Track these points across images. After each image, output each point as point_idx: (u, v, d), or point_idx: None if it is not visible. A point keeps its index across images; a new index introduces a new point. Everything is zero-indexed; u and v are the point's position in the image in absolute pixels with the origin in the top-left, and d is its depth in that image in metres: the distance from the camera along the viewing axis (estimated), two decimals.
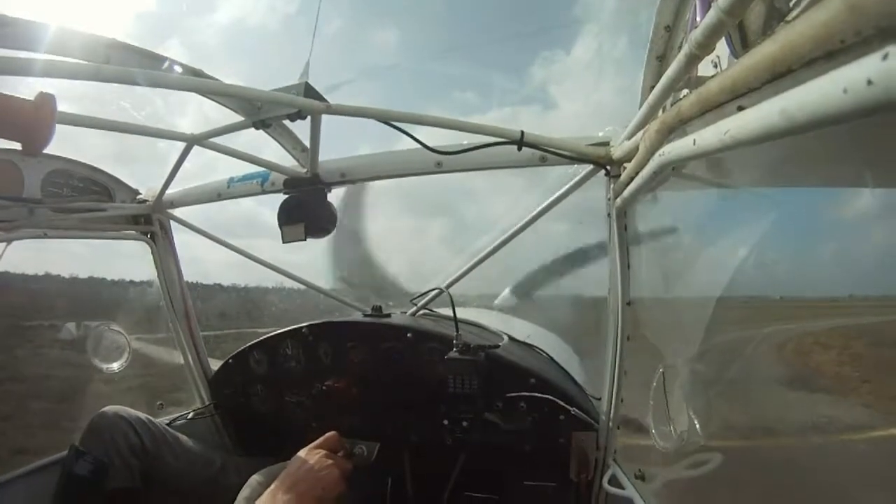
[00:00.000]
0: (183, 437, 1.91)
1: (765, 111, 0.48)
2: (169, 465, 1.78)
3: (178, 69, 1.32)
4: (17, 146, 0.92)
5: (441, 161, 1.67)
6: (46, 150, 0.95)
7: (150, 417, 1.84)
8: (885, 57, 0.32)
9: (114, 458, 1.66)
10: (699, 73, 0.89)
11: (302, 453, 1.37)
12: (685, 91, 0.95)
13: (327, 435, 1.44)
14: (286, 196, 1.82)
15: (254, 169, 1.91)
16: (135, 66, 1.23)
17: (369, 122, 1.43)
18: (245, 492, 1.40)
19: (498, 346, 1.78)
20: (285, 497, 1.22)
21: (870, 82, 0.33)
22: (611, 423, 1.65)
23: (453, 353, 1.67)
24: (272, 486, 1.26)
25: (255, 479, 1.44)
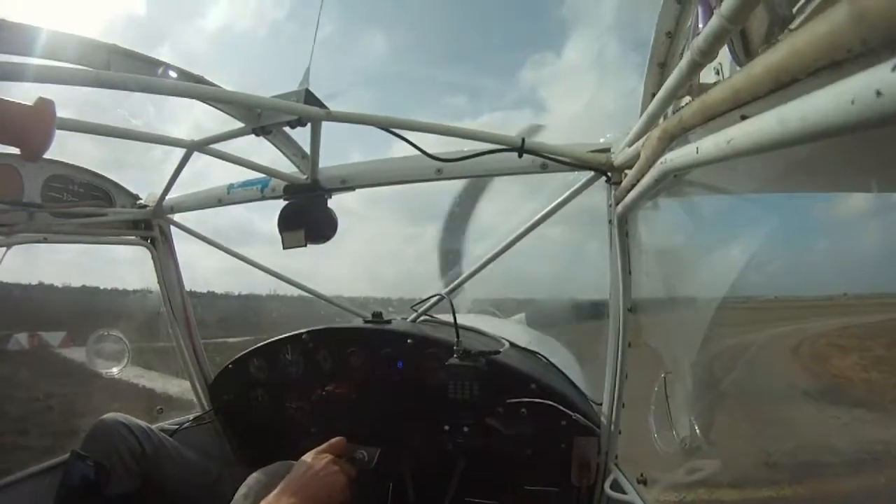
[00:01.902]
0: (182, 445, 1.90)
1: (768, 121, 0.47)
2: (168, 471, 1.77)
3: (178, 75, 1.32)
4: (17, 151, 0.91)
5: (442, 168, 1.67)
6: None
7: (150, 425, 1.83)
8: (894, 68, 0.31)
9: (114, 464, 1.66)
10: (701, 80, 0.89)
11: (308, 457, 1.37)
12: (687, 98, 0.94)
13: (334, 440, 1.44)
14: (286, 202, 1.82)
15: (254, 175, 1.91)
16: (135, 72, 1.23)
17: (366, 130, 1.42)
18: (243, 490, 1.39)
19: (498, 352, 1.77)
20: (290, 500, 1.22)
21: (879, 93, 0.32)
22: (612, 428, 1.64)
23: (454, 359, 1.67)
24: (278, 488, 1.25)
25: (253, 477, 1.43)
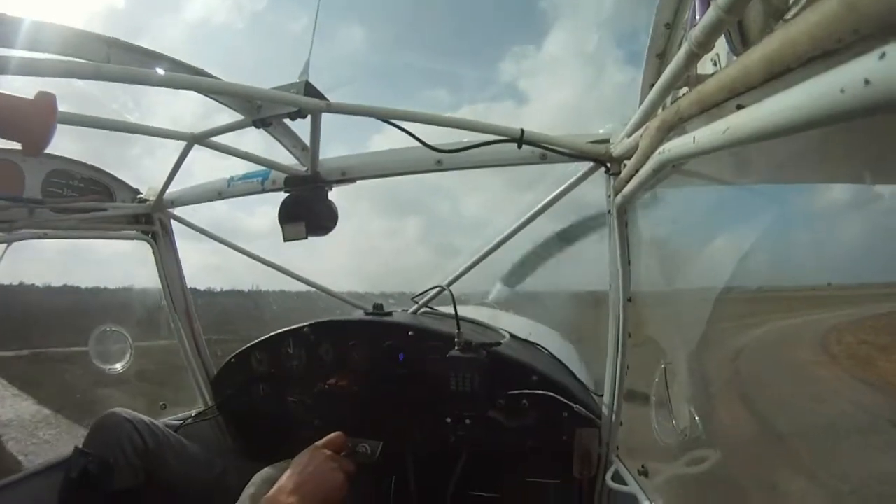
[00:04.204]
0: (186, 440, 1.91)
1: (763, 110, 0.48)
2: (172, 467, 1.78)
3: (178, 68, 1.32)
4: (18, 146, 0.91)
5: (441, 159, 1.67)
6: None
7: (154, 420, 1.84)
8: (882, 56, 0.31)
9: (118, 459, 1.66)
10: (699, 71, 0.89)
11: (306, 453, 1.33)
12: (685, 89, 0.94)
13: (332, 435, 1.40)
14: (287, 194, 1.82)
15: (254, 168, 1.91)
16: (134, 64, 1.23)
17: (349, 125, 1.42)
18: (250, 489, 1.39)
19: (499, 344, 1.78)
20: (289, 499, 1.19)
21: (867, 82, 0.33)
22: (613, 419, 1.65)
23: (455, 352, 1.67)
24: (276, 486, 1.23)
25: (260, 475, 1.43)
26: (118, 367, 2.28)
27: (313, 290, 2.20)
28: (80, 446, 1.67)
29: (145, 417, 1.81)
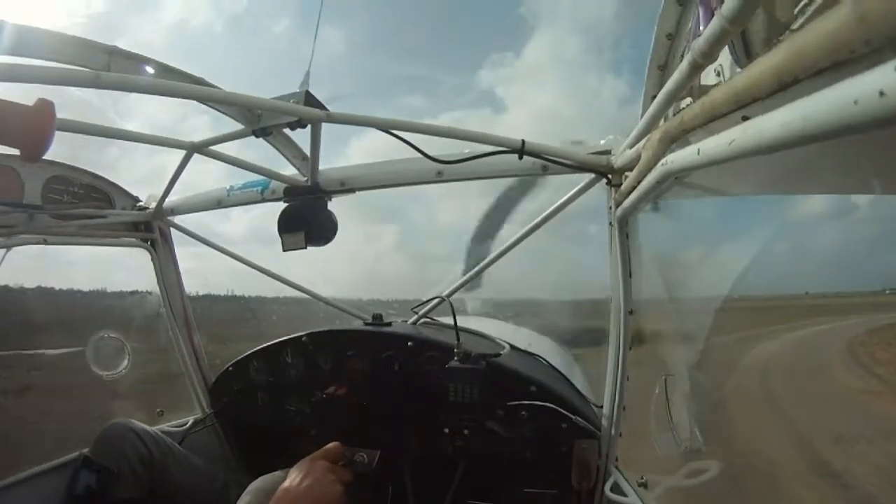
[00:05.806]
0: (190, 452, 1.90)
1: (770, 122, 0.47)
2: (176, 478, 1.78)
3: (178, 77, 1.31)
4: (17, 152, 0.91)
5: (441, 170, 1.66)
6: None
7: (159, 431, 1.84)
8: None
9: (122, 468, 1.66)
10: (702, 82, 0.89)
11: (304, 464, 1.31)
12: (687, 100, 0.94)
13: (330, 445, 1.38)
14: (286, 204, 1.81)
15: (253, 177, 1.91)
16: (134, 73, 1.23)
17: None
18: (246, 498, 1.37)
19: (499, 355, 1.77)
20: None
21: (882, 93, 0.32)
22: (613, 431, 1.63)
23: (454, 362, 1.66)
24: (273, 499, 1.21)
25: (254, 485, 1.40)
26: (116, 372, 2.27)
27: (306, 297, 2.19)
28: (86, 453, 1.67)
29: (150, 427, 1.81)
